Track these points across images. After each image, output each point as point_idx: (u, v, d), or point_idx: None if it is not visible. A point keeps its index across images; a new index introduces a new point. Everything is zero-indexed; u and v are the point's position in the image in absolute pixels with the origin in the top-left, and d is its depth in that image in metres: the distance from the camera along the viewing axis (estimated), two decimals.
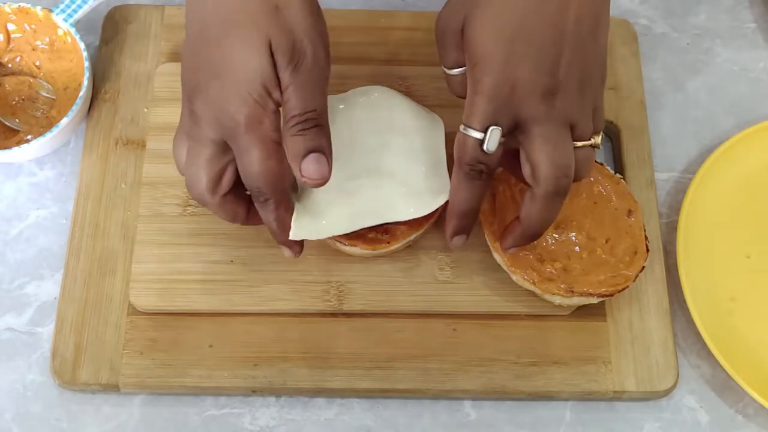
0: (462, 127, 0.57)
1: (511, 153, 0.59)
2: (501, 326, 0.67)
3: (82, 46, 0.72)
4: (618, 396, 0.66)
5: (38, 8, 0.73)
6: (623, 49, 0.78)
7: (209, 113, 0.56)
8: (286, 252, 0.62)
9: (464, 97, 0.58)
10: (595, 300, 0.65)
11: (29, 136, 0.72)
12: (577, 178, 0.58)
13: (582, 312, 0.68)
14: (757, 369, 0.67)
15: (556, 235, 0.66)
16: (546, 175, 0.56)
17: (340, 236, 0.65)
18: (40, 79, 0.75)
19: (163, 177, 0.70)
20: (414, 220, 0.65)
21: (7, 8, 0.73)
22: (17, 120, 0.73)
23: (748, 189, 0.74)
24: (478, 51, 0.56)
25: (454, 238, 0.62)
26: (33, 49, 0.75)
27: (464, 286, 0.68)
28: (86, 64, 0.71)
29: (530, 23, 0.55)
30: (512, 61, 0.55)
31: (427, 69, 0.74)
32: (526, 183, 0.58)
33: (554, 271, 0.65)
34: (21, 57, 0.75)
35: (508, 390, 0.66)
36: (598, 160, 0.68)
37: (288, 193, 0.59)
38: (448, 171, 0.65)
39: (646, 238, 0.67)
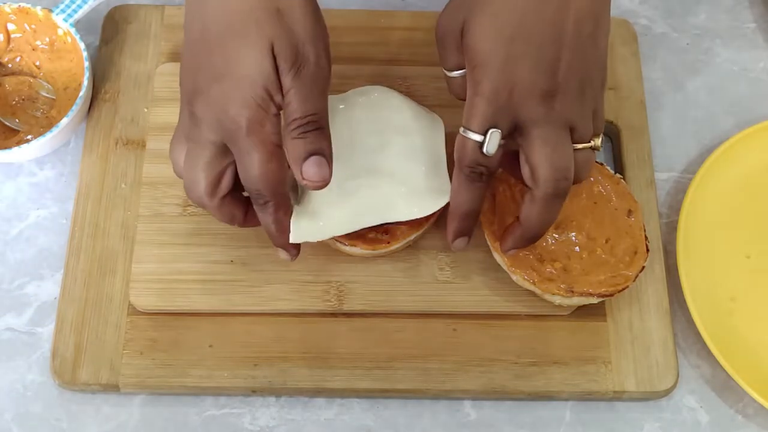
0: (462, 129, 0.57)
1: (511, 154, 0.59)
2: (501, 326, 0.67)
3: (82, 46, 0.72)
4: (618, 396, 0.66)
5: (38, 8, 0.73)
6: (623, 49, 0.78)
7: (210, 115, 0.56)
8: (283, 254, 0.63)
9: (464, 99, 0.58)
10: (595, 300, 0.65)
11: (29, 136, 0.72)
12: (576, 180, 0.58)
13: (582, 312, 0.68)
14: (757, 369, 0.67)
15: (556, 235, 0.66)
16: (545, 177, 0.56)
17: (340, 236, 0.65)
18: (40, 79, 0.75)
19: (163, 177, 0.70)
20: (414, 220, 0.65)
21: (7, 8, 0.73)
22: (17, 120, 0.73)
23: (748, 189, 0.74)
24: (478, 53, 0.56)
25: (456, 241, 0.62)
26: (33, 49, 0.75)
27: (464, 286, 0.68)
28: (86, 64, 0.71)
29: (529, 26, 0.55)
30: (511, 63, 0.55)
31: (427, 69, 0.74)
32: (526, 185, 0.58)
33: (554, 271, 0.65)
34: (21, 57, 0.75)
35: (508, 390, 0.66)
36: (598, 160, 0.68)
37: (287, 195, 0.59)
38: (449, 171, 0.65)
39: (646, 238, 0.67)
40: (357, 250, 0.66)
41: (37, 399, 0.66)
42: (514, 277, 0.66)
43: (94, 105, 0.74)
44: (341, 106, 0.67)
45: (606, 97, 0.60)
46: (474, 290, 0.68)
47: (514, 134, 0.57)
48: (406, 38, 0.77)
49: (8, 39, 0.75)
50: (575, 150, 0.57)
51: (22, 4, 0.73)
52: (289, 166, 0.58)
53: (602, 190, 0.68)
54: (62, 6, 0.73)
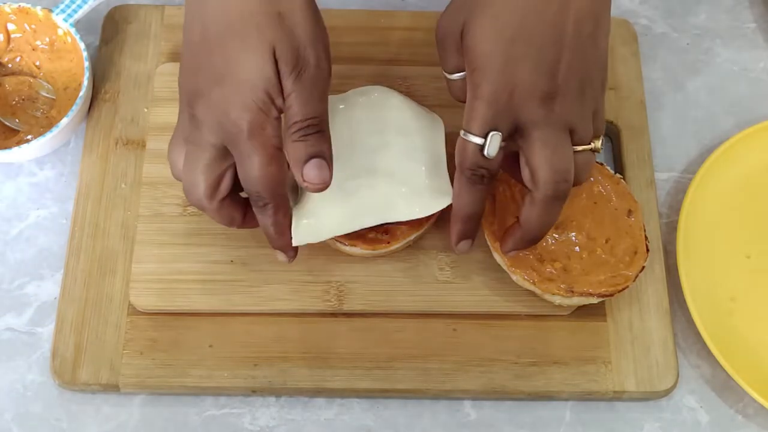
0: (462, 132, 0.57)
1: (512, 156, 0.59)
2: (501, 326, 0.67)
3: (82, 46, 0.72)
4: (618, 396, 0.66)
5: (38, 8, 0.73)
6: (623, 49, 0.78)
7: (211, 118, 0.56)
8: (281, 256, 0.63)
9: (465, 102, 0.58)
10: (595, 300, 0.65)
11: (29, 136, 0.72)
12: (577, 182, 0.58)
13: (582, 312, 0.68)
14: (757, 369, 0.67)
15: (556, 235, 0.66)
16: (545, 179, 0.56)
17: (340, 236, 0.65)
18: (40, 79, 0.75)
19: (163, 177, 0.70)
20: (414, 220, 0.65)
21: (7, 8, 0.73)
22: (17, 120, 0.73)
23: (748, 189, 0.74)
24: (477, 56, 0.56)
25: (459, 243, 0.62)
26: (33, 49, 0.75)
27: (464, 286, 0.68)
28: (86, 64, 0.71)
29: (529, 28, 0.55)
30: (511, 65, 0.55)
31: (427, 69, 0.74)
32: (527, 186, 0.58)
33: (554, 271, 0.65)
34: (21, 57, 0.75)
35: (508, 390, 0.66)
36: (598, 161, 0.68)
37: (286, 198, 0.59)
38: (449, 173, 0.65)
39: (646, 238, 0.67)
40: (357, 250, 0.66)
41: (37, 399, 0.66)
42: (514, 277, 0.66)
43: (94, 105, 0.74)
44: (341, 106, 0.67)
45: (606, 98, 0.60)
46: (474, 290, 0.68)
47: (514, 136, 0.57)
48: (406, 38, 0.77)
49: (8, 39, 0.75)
50: (575, 152, 0.57)
51: (22, 4, 0.73)
52: (289, 168, 0.58)
53: (602, 190, 0.68)
54: (62, 6, 0.73)
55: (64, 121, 0.69)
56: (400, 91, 0.70)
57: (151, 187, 0.70)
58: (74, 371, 0.65)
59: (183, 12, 0.58)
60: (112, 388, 0.65)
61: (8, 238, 0.71)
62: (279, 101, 0.55)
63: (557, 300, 0.65)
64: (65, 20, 0.73)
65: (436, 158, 0.66)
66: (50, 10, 0.73)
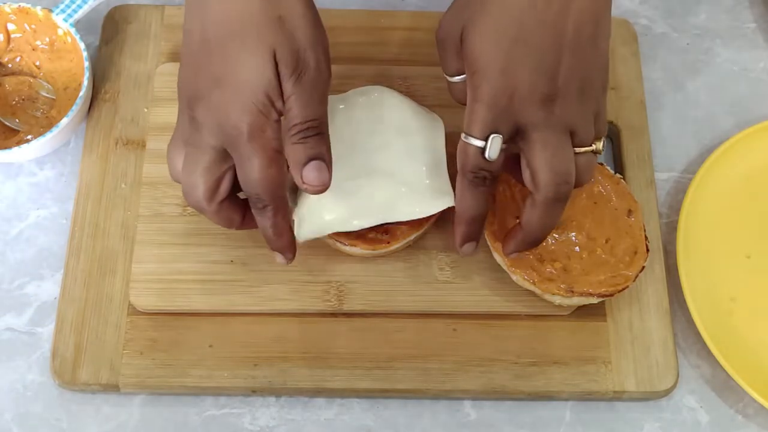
0: (463, 135, 0.57)
1: (514, 158, 0.59)
2: (501, 326, 0.67)
3: (82, 46, 0.72)
4: (618, 396, 0.66)
5: (38, 8, 0.73)
6: (623, 49, 0.78)
7: (211, 121, 0.56)
8: (279, 258, 0.63)
9: (466, 104, 0.58)
10: (595, 300, 0.65)
11: (29, 136, 0.72)
12: (578, 184, 0.58)
13: (582, 312, 0.68)
14: (757, 369, 0.67)
15: (556, 235, 0.66)
16: (546, 181, 0.56)
17: (340, 236, 0.66)
18: (40, 79, 0.75)
19: (163, 177, 0.70)
20: (414, 220, 0.65)
21: (7, 8, 0.73)
22: (17, 120, 0.73)
23: (748, 189, 0.74)
24: (477, 59, 0.56)
25: (464, 246, 0.62)
26: (33, 49, 0.75)
27: (464, 286, 0.68)
28: (86, 64, 0.71)
29: (528, 30, 0.55)
30: (511, 68, 0.55)
31: (427, 69, 0.74)
32: (528, 188, 0.58)
33: (554, 271, 0.65)
34: (21, 57, 0.75)
35: (508, 390, 0.66)
36: (598, 161, 0.68)
37: (286, 200, 0.59)
38: (450, 174, 0.65)
39: (646, 238, 0.67)
40: (357, 250, 0.66)
41: (37, 399, 0.66)
42: (514, 277, 0.66)
43: (94, 105, 0.74)
44: (341, 106, 0.67)
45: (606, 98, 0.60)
46: (474, 290, 0.68)
47: (515, 138, 0.57)
48: (406, 38, 0.77)
49: (8, 39, 0.75)
50: (576, 154, 0.57)
51: (22, 4, 0.73)
52: (288, 170, 0.58)
53: (602, 190, 0.68)
54: (62, 6, 0.73)
55: (64, 121, 0.69)
56: (400, 91, 0.70)
57: (151, 187, 0.70)
58: (74, 371, 0.65)
59: (183, 12, 0.58)
60: (112, 388, 0.65)
61: (8, 238, 0.71)
62: (279, 104, 0.56)
63: (557, 300, 0.65)
64: (65, 20, 0.73)
65: (437, 158, 0.66)
66: (50, 10, 0.73)
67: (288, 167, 0.58)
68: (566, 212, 0.66)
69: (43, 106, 0.74)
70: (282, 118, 0.56)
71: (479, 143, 0.56)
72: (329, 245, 0.68)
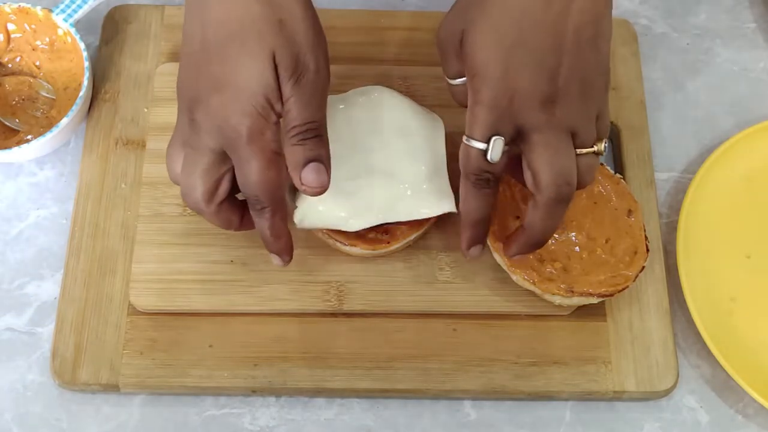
0: (465, 138, 0.57)
1: (516, 159, 0.59)
2: (501, 326, 0.67)
3: (82, 46, 0.72)
4: (618, 396, 0.66)
5: (38, 8, 0.73)
6: (623, 49, 0.78)
7: (210, 123, 0.56)
8: (276, 260, 0.63)
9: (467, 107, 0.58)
10: (595, 300, 0.65)
11: (29, 136, 0.72)
12: (581, 186, 0.58)
13: (582, 312, 0.68)
14: (757, 369, 0.67)
15: (556, 235, 0.66)
16: (547, 182, 0.56)
17: (340, 236, 0.66)
18: (40, 79, 0.75)
19: (163, 177, 0.69)
20: (414, 220, 0.65)
21: (7, 8, 0.73)
22: (17, 120, 0.73)
23: (748, 189, 0.74)
24: (477, 62, 0.56)
25: (470, 249, 0.62)
26: (33, 49, 0.75)
27: (464, 286, 0.68)
28: (86, 64, 0.71)
29: (528, 32, 0.55)
30: (511, 70, 0.55)
31: (427, 69, 0.74)
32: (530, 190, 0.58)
33: (554, 271, 0.65)
34: (21, 57, 0.75)
35: (508, 390, 0.66)
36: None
37: (284, 201, 0.59)
38: (451, 173, 0.65)
39: (646, 238, 0.67)
40: (357, 250, 0.66)
41: (37, 399, 0.66)
42: (514, 277, 0.66)
43: (94, 105, 0.74)
44: (341, 106, 0.67)
45: None
46: (474, 290, 0.68)
47: (517, 140, 0.57)
48: (406, 38, 0.77)
49: (8, 39, 0.75)
50: (578, 155, 0.57)
51: (22, 4, 0.73)
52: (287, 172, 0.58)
53: (602, 190, 0.68)
54: (62, 6, 0.73)
55: (64, 121, 0.69)
56: (400, 91, 0.70)
57: (151, 187, 0.70)
58: (74, 371, 0.65)
59: (183, 13, 0.58)
60: (112, 388, 0.65)
61: (8, 238, 0.71)
62: (278, 106, 0.56)
63: (557, 300, 0.65)
64: (65, 20, 0.73)
65: (437, 158, 0.66)
66: (50, 10, 0.73)
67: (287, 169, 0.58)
68: (566, 212, 0.66)
69: (43, 106, 0.74)
70: (281, 120, 0.57)
71: (481, 146, 0.56)
72: (329, 245, 0.68)
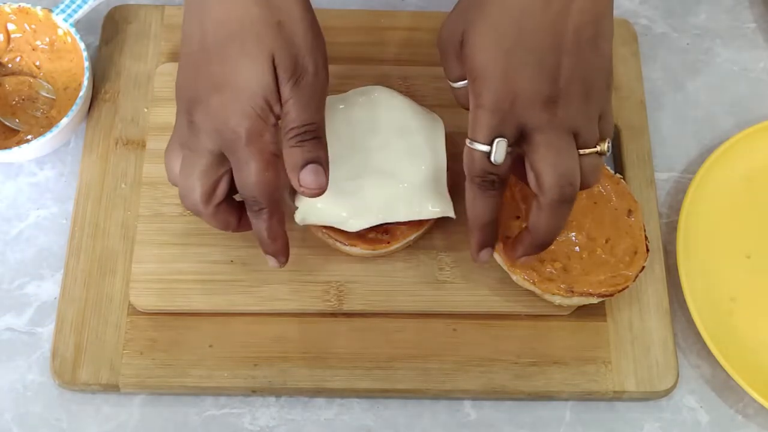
0: (468, 141, 0.57)
1: (520, 160, 0.59)
2: (501, 326, 0.67)
3: (82, 46, 0.72)
4: (618, 396, 0.66)
5: (38, 8, 0.73)
6: (623, 49, 0.78)
7: (209, 125, 0.56)
8: (272, 261, 0.63)
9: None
10: (595, 300, 0.65)
11: (29, 136, 0.72)
12: (584, 186, 0.58)
13: (582, 312, 0.68)
14: (757, 369, 0.67)
15: None
16: (550, 183, 0.56)
17: (340, 236, 0.66)
18: (40, 79, 0.75)
19: (163, 177, 0.69)
20: (414, 220, 0.65)
21: (7, 8, 0.73)
22: (17, 120, 0.73)
23: (748, 189, 0.74)
24: (478, 64, 0.56)
25: (480, 253, 0.62)
26: (33, 49, 0.75)
27: (464, 286, 0.68)
28: (86, 64, 0.71)
29: (528, 33, 0.54)
30: (512, 72, 0.55)
31: (427, 69, 0.74)
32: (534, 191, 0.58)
33: (554, 271, 0.65)
34: (21, 57, 0.75)
35: (508, 390, 0.66)
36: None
37: (281, 204, 0.59)
38: (452, 172, 0.65)
39: (646, 238, 0.67)
40: (357, 250, 0.66)
41: (37, 399, 0.66)
42: (514, 277, 0.66)
43: (94, 105, 0.74)
44: (341, 106, 0.67)
45: None
46: (474, 290, 0.68)
47: (520, 141, 0.57)
48: (406, 38, 0.77)
49: (8, 39, 0.75)
50: (581, 155, 0.57)
51: (22, 4, 0.73)
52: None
53: (602, 190, 0.68)
54: (62, 6, 0.73)
55: (64, 121, 0.69)
56: (400, 91, 0.70)
57: (151, 187, 0.70)
58: (74, 371, 0.65)
59: (182, 13, 0.58)
60: (112, 388, 0.65)
61: (8, 238, 0.71)
62: (277, 108, 0.56)
63: (557, 300, 0.65)
64: (65, 20, 0.73)
65: (436, 158, 0.66)
66: (50, 10, 0.73)
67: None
68: None
69: (43, 106, 0.74)
70: (279, 122, 0.57)
71: (484, 148, 0.56)
72: (329, 245, 0.68)
